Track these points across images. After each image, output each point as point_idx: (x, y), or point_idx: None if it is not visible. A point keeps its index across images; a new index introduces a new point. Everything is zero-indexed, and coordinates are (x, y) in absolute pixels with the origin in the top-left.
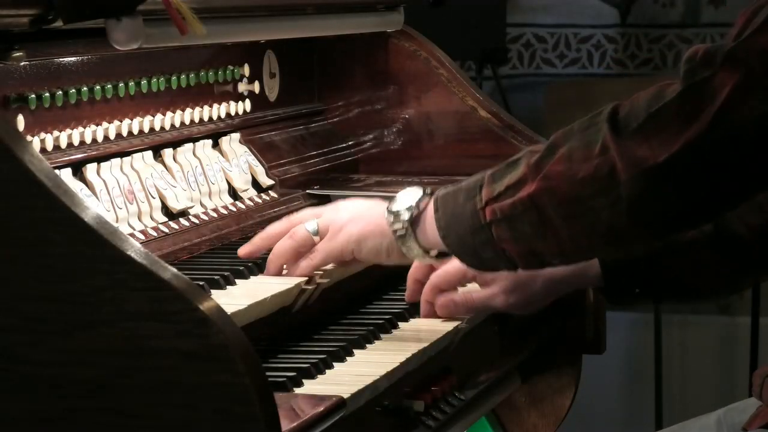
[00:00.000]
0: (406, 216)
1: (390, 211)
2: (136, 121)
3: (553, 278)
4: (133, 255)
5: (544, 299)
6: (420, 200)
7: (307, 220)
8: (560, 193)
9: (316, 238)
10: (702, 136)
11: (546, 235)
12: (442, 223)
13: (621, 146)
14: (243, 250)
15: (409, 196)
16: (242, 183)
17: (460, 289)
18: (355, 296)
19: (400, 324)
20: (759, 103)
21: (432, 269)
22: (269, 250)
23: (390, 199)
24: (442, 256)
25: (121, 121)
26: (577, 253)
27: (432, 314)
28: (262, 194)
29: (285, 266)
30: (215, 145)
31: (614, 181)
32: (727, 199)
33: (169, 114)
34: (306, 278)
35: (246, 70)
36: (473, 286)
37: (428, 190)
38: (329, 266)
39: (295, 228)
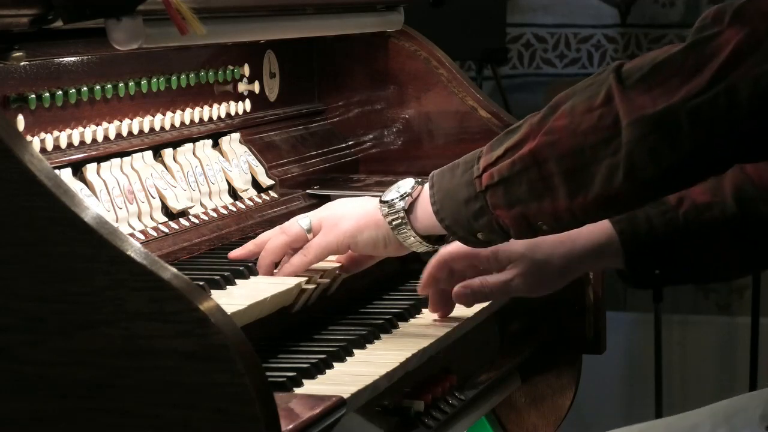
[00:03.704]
0: (400, 204)
1: (383, 202)
2: (136, 121)
3: (571, 258)
4: (133, 255)
5: (561, 280)
6: (413, 188)
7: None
8: (563, 146)
9: (309, 236)
10: (701, 90)
11: (542, 195)
12: (437, 198)
13: (624, 95)
14: (234, 254)
15: (402, 186)
16: (242, 183)
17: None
18: (356, 296)
19: (400, 324)
20: (758, 63)
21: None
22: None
23: (383, 192)
24: (438, 242)
25: (121, 121)
26: (570, 216)
27: (440, 307)
28: (262, 194)
29: (280, 266)
30: (215, 145)
31: (617, 129)
32: (719, 158)
33: (169, 114)
34: (306, 278)
35: (246, 70)
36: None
37: (420, 180)
38: (334, 264)
39: (288, 223)
